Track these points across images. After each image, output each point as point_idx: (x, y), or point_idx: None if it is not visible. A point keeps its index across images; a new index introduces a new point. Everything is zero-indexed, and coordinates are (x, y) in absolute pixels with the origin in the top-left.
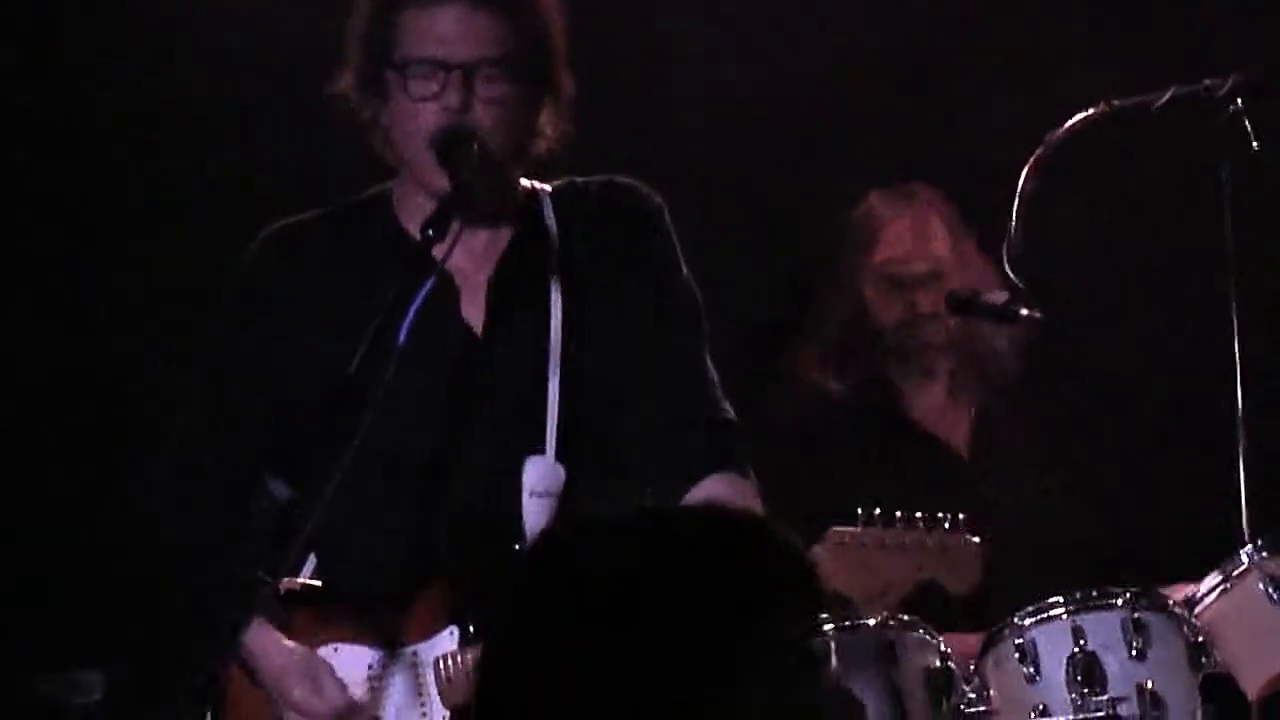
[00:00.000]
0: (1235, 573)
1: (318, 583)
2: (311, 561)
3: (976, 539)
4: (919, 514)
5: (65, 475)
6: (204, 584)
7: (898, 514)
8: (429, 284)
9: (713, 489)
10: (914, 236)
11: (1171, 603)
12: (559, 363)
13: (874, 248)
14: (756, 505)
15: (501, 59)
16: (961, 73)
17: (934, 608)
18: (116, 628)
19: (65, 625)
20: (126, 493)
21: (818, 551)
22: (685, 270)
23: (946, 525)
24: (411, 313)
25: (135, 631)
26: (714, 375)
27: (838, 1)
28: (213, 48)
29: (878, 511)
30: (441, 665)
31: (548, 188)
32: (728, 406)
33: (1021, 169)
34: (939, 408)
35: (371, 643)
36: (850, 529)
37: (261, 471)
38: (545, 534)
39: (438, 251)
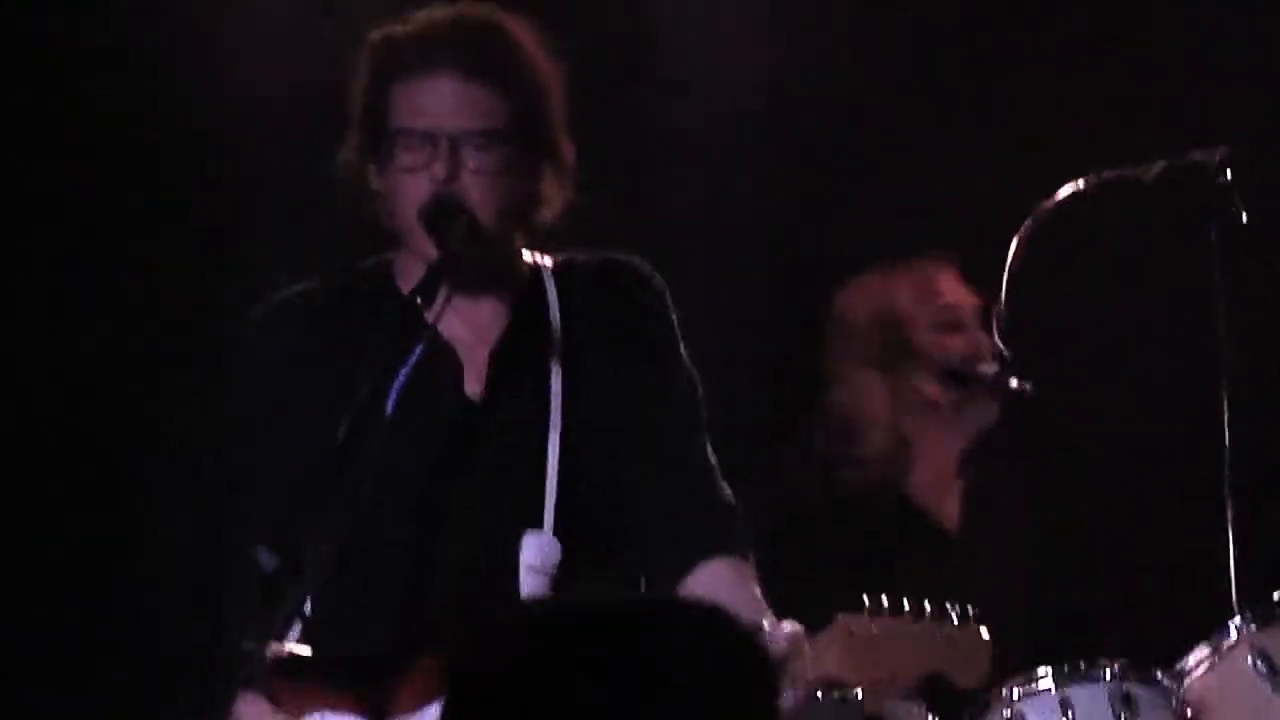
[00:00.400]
0: (1224, 646)
1: (305, 650)
2: (296, 628)
3: (986, 633)
4: (928, 605)
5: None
6: (196, 651)
7: (906, 604)
8: (419, 350)
9: (712, 573)
10: (961, 285)
11: (1159, 675)
12: (559, 440)
13: (933, 296)
14: (755, 589)
15: (493, 131)
16: (950, 143)
17: (942, 702)
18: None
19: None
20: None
21: (822, 639)
22: (684, 352)
23: (955, 618)
24: (401, 377)
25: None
26: (713, 459)
27: (833, 69)
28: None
29: (885, 601)
30: None
31: (549, 263)
32: (727, 490)
33: (1009, 240)
34: (939, 484)
35: (359, 713)
36: (858, 617)
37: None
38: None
39: (428, 317)
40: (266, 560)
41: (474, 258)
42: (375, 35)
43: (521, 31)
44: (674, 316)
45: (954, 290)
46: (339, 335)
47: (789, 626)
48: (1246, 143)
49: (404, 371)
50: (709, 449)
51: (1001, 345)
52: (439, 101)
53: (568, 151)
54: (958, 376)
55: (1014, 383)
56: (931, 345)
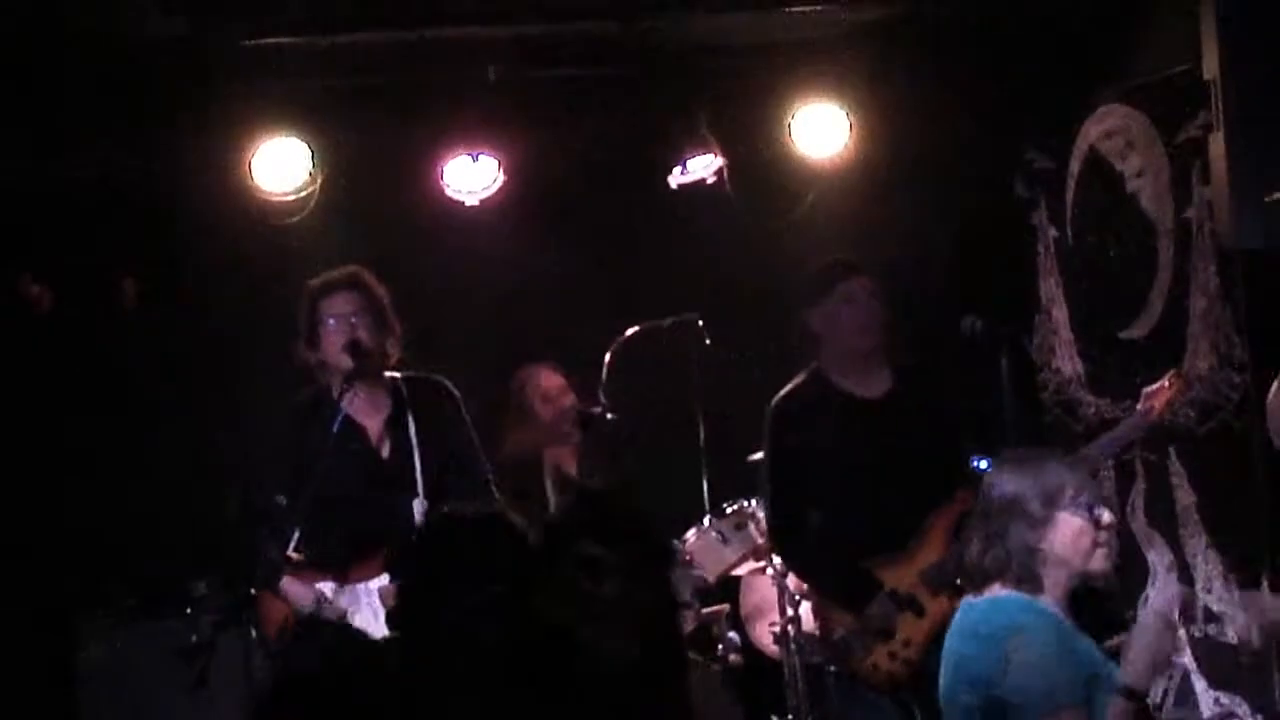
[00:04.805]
0: None
1: (299, 556)
2: (295, 540)
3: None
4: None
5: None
6: (261, 551)
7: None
8: (340, 417)
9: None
10: (556, 376)
11: None
12: (419, 457)
13: (538, 384)
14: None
15: (362, 309)
16: (590, 296)
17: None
18: (215, 559)
19: (188, 553)
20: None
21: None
22: (470, 424)
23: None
24: (335, 429)
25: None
26: (488, 465)
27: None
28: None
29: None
30: (380, 591)
31: (399, 375)
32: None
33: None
34: (569, 463)
35: (337, 580)
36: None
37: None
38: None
39: (346, 399)
40: (281, 501)
41: (369, 363)
42: (309, 285)
43: (367, 274)
44: (464, 407)
45: (549, 380)
46: (312, 416)
47: None
48: (715, 308)
49: (335, 425)
50: (483, 457)
51: (604, 401)
52: (340, 304)
53: (396, 324)
54: (584, 421)
55: (610, 416)
56: (536, 410)
